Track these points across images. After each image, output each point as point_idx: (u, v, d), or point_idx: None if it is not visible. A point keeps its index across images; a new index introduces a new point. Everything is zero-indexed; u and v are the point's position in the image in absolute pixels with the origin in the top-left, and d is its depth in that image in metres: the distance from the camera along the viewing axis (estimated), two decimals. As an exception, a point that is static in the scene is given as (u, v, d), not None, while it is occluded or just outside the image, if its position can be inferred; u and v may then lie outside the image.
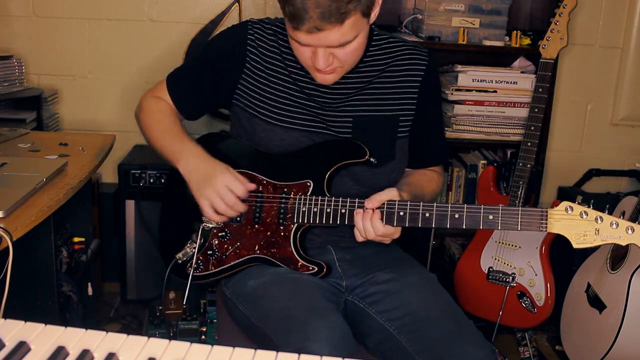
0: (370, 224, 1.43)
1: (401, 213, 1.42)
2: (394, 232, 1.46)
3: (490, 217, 1.37)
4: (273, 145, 1.59)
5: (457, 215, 1.39)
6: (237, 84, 1.60)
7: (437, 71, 1.69)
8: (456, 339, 1.40)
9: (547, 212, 1.35)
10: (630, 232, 1.32)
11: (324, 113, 1.57)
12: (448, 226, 1.40)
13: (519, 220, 1.36)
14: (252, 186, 1.53)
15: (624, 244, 1.33)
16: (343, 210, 1.47)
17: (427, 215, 1.41)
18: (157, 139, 1.61)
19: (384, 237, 1.45)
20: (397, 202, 1.43)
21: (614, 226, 1.32)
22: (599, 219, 1.33)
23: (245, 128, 1.63)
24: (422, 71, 1.61)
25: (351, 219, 1.46)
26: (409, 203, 1.43)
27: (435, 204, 1.41)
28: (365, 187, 1.57)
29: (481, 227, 1.38)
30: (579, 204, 1.35)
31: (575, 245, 1.35)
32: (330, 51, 1.41)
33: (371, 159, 1.53)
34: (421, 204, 1.42)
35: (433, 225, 1.41)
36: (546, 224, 1.34)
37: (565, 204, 1.34)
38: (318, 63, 1.43)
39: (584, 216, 1.33)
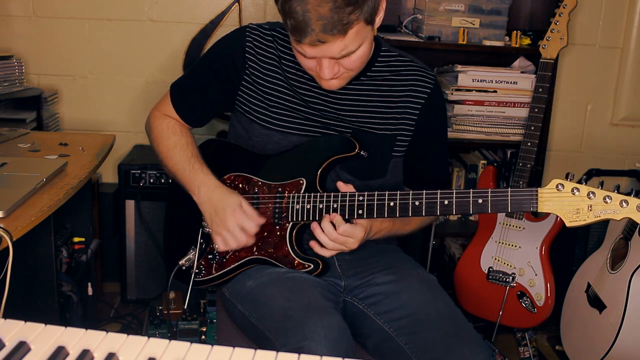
0: (328, 227, 1.44)
1: (391, 204, 1.41)
2: (353, 232, 1.44)
3: (480, 200, 1.34)
4: (268, 149, 1.60)
5: (446, 202, 1.37)
6: (238, 90, 1.61)
7: (442, 95, 1.67)
8: (455, 342, 1.40)
9: (537, 191, 1.30)
10: (624, 205, 1.24)
11: (323, 120, 1.58)
12: (438, 214, 1.39)
13: (509, 201, 1.32)
14: (262, 220, 1.54)
15: (618, 218, 1.25)
16: (335, 205, 1.46)
17: (416, 204, 1.40)
18: (171, 165, 1.63)
19: (344, 239, 1.45)
20: (387, 193, 1.43)
21: (608, 200, 1.25)
22: (591, 195, 1.26)
23: (243, 131, 1.64)
24: (425, 94, 1.60)
25: (344, 214, 1.45)
26: (398, 193, 1.42)
27: (424, 192, 1.40)
28: (362, 174, 1.57)
29: (471, 212, 1.36)
30: (570, 180, 1.29)
31: (568, 224, 1.28)
32: (335, 60, 1.41)
33: (361, 152, 1.52)
34: (410, 192, 1.40)
35: (424, 214, 1.40)
36: (537, 203, 1.30)
37: (555, 181, 1.29)
38: (323, 73, 1.42)
39: (576, 193, 1.27)
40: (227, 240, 1.52)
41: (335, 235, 1.44)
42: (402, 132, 1.60)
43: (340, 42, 1.34)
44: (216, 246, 1.56)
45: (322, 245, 1.48)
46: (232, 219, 1.50)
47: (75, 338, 0.88)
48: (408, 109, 1.59)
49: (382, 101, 1.58)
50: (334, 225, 1.45)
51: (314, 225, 1.47)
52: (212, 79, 1.63)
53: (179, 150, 1.62)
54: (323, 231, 1.46)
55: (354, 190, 1.48)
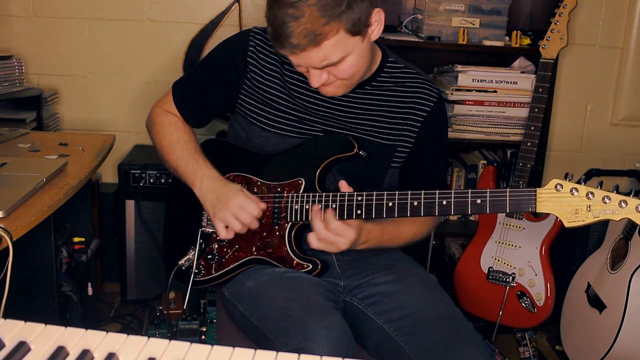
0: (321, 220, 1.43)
1: (390, 204, 1.41)
2: (344, 231, 1.43)
3: (478, 200, 1.34)
4: (267, 151, 1.60)
5: (445, 202, 1.37)
6: (239, 92, 1.61)
7: (445, 109, 1.67)
8: (454, 342, 1.40)
9: (535, 191, 1.29)
10: (623, 205, 1.23)
11: (323, 126, 1.58)
12: (437, 214, 1.38)
13: (507, 201, 1.32)
14: (264, 205, 1.54)
15: (617, 219, 1.24)
16: (334, 205, 1.46)
17: (415, 204, 1.39)
18: (173, 160, 1.63)
19: (335, 238, 1.43)
20: (385, 193, 1.42)
21: (607, 201, 1.24)
22: (590, 195, 1.25)
23: (242, 133, 1.65)
24: (429, 107, 1.60)
25: (342, 214, 1.45)
26: (396, 193, 1.42)
27: (422, 192, 1.39)
28: (360, 182, 1.57)
29: (470, 212, 1.36)
30: (569, 180, 1.28)
31: (567, 224, 1.27)
32: (322, 69, 1.41)
33: (360, 152, 1.52)
34: (409, 192, 1.40)
35: (422, 214, 1.39)
36: (535, 203, 1.29)
37: (554, 181, 1.28)
38: (310, 80, 1.43)
39: (575, 193, 1.26)
40: (231, 223, 1.51)
41: (324, 233, 1.43)
42: (402, 143, 1.60)
43: (317, 52, 1.35)
44: (218, 234, 1.54)
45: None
46: (234, 200, 1.50)
47: (75, 338, 0.88)
48: (410, 120, 1.59)
49: (384, 111, 1.58)
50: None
51: (316, 208, 1.46)
52: (214, 81, 1.63)
53: (182, 146, 1.62)
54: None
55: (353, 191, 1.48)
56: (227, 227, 1.53)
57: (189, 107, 1.67)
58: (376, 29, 1.43)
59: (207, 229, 1.62)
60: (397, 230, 1.59)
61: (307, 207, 1.50)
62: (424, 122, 1.60)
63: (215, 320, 2.42)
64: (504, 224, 2.46)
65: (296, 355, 0.87)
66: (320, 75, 1.42)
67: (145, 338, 0.89)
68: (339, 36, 1.34)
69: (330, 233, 1.43)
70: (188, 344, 0.88)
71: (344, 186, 1.48)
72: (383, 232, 1.55)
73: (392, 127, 1.58)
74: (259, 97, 1.59)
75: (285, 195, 1.54)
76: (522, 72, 2.65)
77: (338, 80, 1.45)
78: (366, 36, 1.41)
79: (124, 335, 0.89)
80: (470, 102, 2.63)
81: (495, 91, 2.62)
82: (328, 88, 1.47)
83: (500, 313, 2.44)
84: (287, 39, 1.33)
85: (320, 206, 1.47)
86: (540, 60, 2.39)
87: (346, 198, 1.45)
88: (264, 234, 1.55)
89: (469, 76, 2.62)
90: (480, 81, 2.62)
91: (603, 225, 2.46)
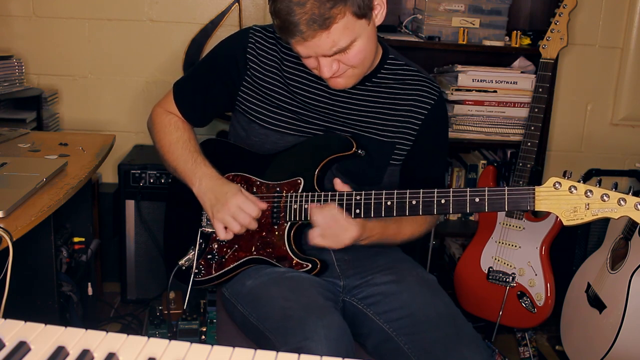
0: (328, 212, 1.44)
1: (389, 202, 1.41)
2: (349, 227, 1.44)
3: (477, 199, 1.34)
4: (266, 149, 1.60)
5: (443, 201, 1.37)
6: (239, 90, 1.61)
7: (446, 108, 1.67)
8: (454, 342, 1.40)
9: (534, 189, 1.29)
10: (622, 203, 1.23)
11: (322, 122, 1.58)
12: (435, 212, 1.38)
13: (506, 199, 1.32)
14: (264, 205, 1.54)
15: (616, 216, 1.24)
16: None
17: (413, 202, 1.39)
18: (172, 159, 1.63)
19: (339, 231, 1.44)
20: (384, 192, 1.43)
21: (605, 199, 1.24)
22: (589, 193, 1.26)
23: (242, 131, 1.65)
24: (429, 105, 1.60)
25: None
26: (395, 192, 1.42)
27: (421, 190, 1.40)
28: (359, 179, 1.57)
29: (468, 211, 1.36)
30: (567, 178, 1.28)
31: (565, 223, 1.27)
32: (332, 58, 1.41)
33: (359, 152, 1.52)
34: (408, 191, 1.40)
35: (420, 213, 1.39)
36: (533, 202, 1.29)
37: (553, 179, 1.28)
38: (322, 71, 1.43)
39: (573, 191, 1.26)
40: (229, 225, 1.51)
41: (325, 227, 1.44)
42: (402, 140, 1.60)
43: (327, 37, 1.34)
44: (217, 234, 1.54)
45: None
46: (233, 201, 1.50)
47: (75, 338, 0.88)
48: (410, 118, 1.59)
49: (384, 108, 1.58)
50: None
51: (313, 205, 1.47)
52: (215, 79, 1.63)
53: (181, 145, 1.62)
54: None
55: (350, 189, 1.48)
56: (226, 227, 1.53)
57: (189, 106, 1.67)
58: (379, 12, 1.43)
59: (206, 229, 1.62)
60: (398, 228, 1.59)
61: (306, 206, 1.50)
62: (424, 120, 1.60)
63: (215, 320, 2.42)
64: (504, 224, 2.46)
65: (296, 355, 0.87)
66: (330, 64, 1.41)
67: (145, 338, 0.89)
68: (347, 19, 1.34)
69: (334, 227, 1.43)
70: (188, 344, 0.88)
71: (338, 184, 1.48)
72: (384, 230, 1.56)
73: (392, 124, 1.58)
74: (259, 94, 1.59)
75: (284, 194, 1.54)
76: (522, 72, 2.65)
77: (349, 69, 1.45)
78: (371, 19, 1.41)
79: (124, 335, 0.89)
80: (470, 102, 2.63)
81: (495, 91, 2.62)
82: (339, 79, 1.47)
83: (500, 313, 2.44)
84: (296, 27, 1.33)
85: (316, 203, 1.47)
86: (540, 60, 2.39)
87: (345, 197, 1.45)
88: (264, 233, 1.55)
89: (469, 76, 2.62)
90: (480, 81, 2.62)
91: (603, 225, 2.46)
